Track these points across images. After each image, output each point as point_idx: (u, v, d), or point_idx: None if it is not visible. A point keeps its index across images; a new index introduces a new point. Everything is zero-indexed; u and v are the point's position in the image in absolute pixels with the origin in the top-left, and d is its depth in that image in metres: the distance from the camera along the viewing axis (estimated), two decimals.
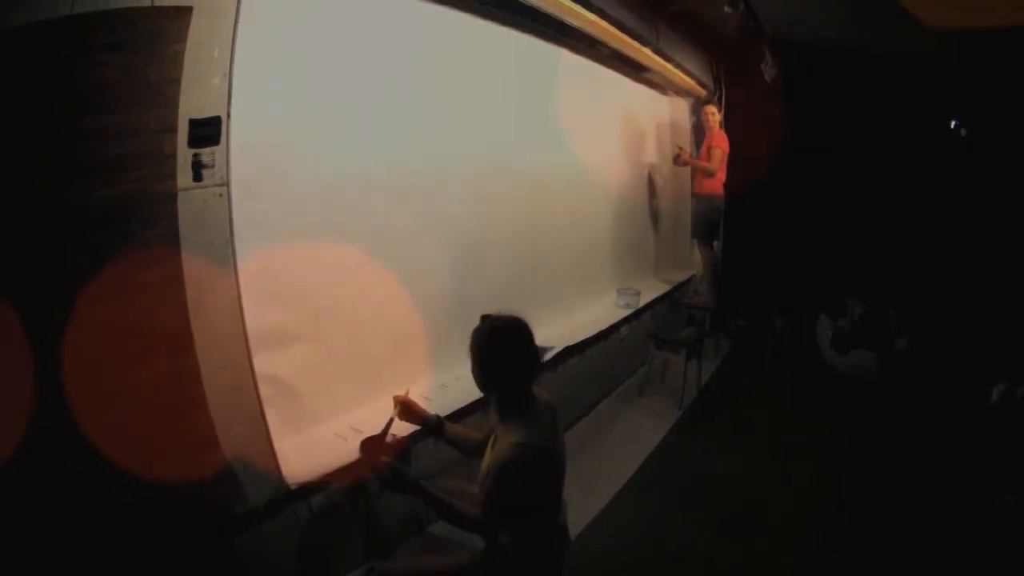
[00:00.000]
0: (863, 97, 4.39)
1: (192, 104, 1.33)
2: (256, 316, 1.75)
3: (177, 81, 1.28)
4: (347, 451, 1.84)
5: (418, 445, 2.01)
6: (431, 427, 1.79)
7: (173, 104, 1.28)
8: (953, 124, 4.62)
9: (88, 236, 1.20)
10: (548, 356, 2.87)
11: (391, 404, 1.78)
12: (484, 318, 1.55)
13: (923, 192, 4.33)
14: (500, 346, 1.48)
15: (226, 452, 1.50)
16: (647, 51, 3.57)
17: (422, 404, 1.84)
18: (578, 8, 2.72)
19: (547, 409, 1.54)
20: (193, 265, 1.41)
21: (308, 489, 1.73)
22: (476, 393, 2.27)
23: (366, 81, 2.16)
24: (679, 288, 4.63)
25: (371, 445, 1.66)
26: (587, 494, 2.52)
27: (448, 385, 2.48)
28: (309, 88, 1.94)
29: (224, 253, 1.48)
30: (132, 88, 1.20)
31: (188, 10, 1.26)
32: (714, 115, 4.21)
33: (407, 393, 1.81)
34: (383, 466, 1.47)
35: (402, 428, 1.82)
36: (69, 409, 1.20)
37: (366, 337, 2.26)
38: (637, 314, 3.90)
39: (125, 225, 1.26)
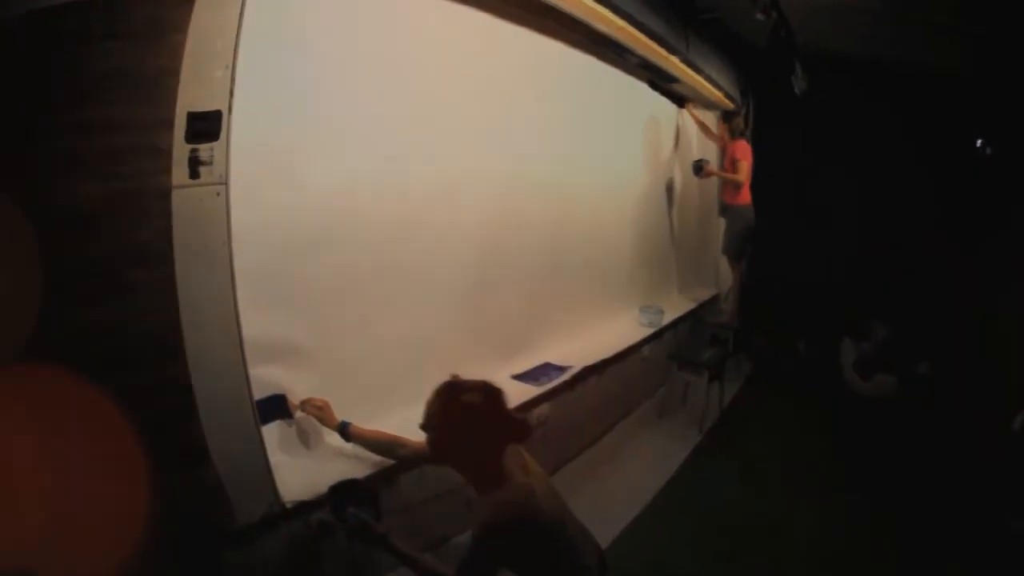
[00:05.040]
0: (891, 112, 4.26)
1: (191, 97, 1.25)
2: (257, 325, 1.67)
3: (176, 72, 1.20)
4: (344, 471, 1.72)
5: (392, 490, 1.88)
6: (340, 431, 1.80)
7: (170, 97, 1.21)
8: (979, 143, 4.46)
9: (73, 234, 1.12)
10: (566, 376, 2.75)
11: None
12: (447, 383, 1.39)
13: (948, 212, 4.20)
14: (463, 413, 1.33)
15: (216, 465, 1.40)
16: (675, 60, 3.45)
17: None
18: (607, 13, 2.61)
19: (522, 460, 1.40)
20: (187, 267, 1.33)
21: (305, 507, 1.61)
22: None
23: (383, 81, 2.07)
24: (703, 306, 4.46)
25: (341, 490, 1.54)
26: (603, 520, 2.37)
27: None
28: (322, 85, 1.86)
29: (221, 256, 1.39)
30: (126, 79, 1.13)
31: None
32: (739, 126, 4.08)
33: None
34: (348, 516, 1.37)
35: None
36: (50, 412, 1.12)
37: (376, 351, 2.15)
38: (659, 333, 3.74)
39: (114, 223, 1.18)
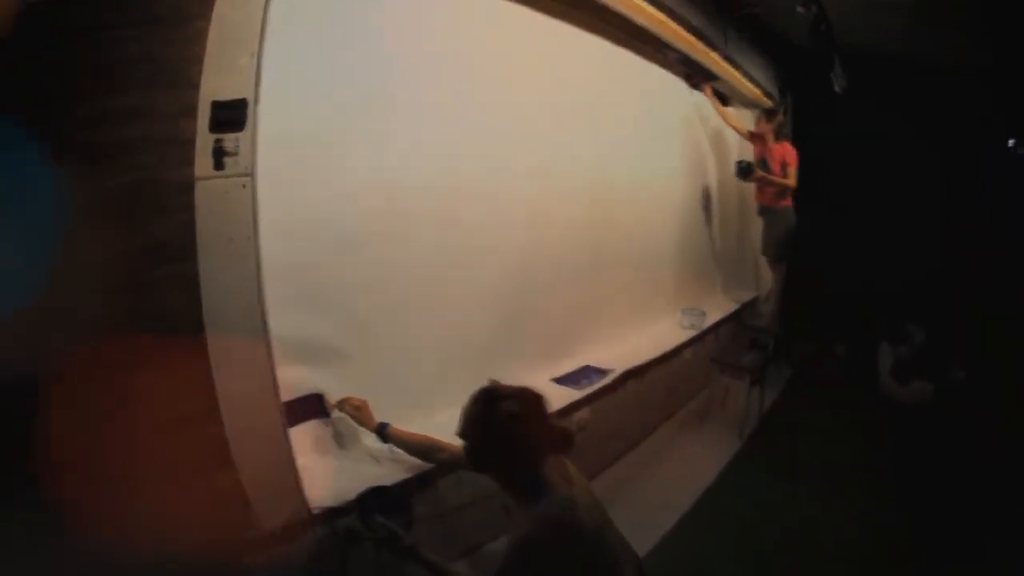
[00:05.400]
0: (929, 112, 4.09)
1: (216, 85, 1.20)
2: (291, 324, 1.64)
3: (199, 59, 1.15)
4: (377, 476, 1.66)
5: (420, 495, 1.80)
6: (378, 432, 1.75)
7: (193, 85, 1.16)
8: (1011, 143, 4.28)
9: (90, 227, 1.08)
10: (607, 379, 2.66)
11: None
12: (485, 390, 1.31)
13: (986, 214, 4.06)
14: (502, 423, 1.24)
15: (239, 468, 1.34)
16: (716, 56, 3.32)
17: None
18: (646, 6, 2.52)
19: (564, 470, 1.31)
20: (210, 263, 1.28)
21: (333, 513, 1.54)
22: None
23: (424, 75, 2.02)
24: (744, 308, 4.28)
25: (370, 497, 1.48)
26: (643, 527, 2.32)
27: None
28: (361, 77, 1.82)
29: (246, 251, 1.34)
30: (146, 66, 1.09)
31: None
32: (783, 126, 3.96)
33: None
34: (376, 525, 1.30)
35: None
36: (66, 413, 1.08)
37: (413, 351, 2.09)
38: (701, 335, 3.59)
39: (133, 216, 1.14)
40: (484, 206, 2.29)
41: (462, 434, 1.29)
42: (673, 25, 2.80)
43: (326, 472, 1.70)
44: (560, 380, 2.63)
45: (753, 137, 4.12)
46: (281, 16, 1.34)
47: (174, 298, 1.24)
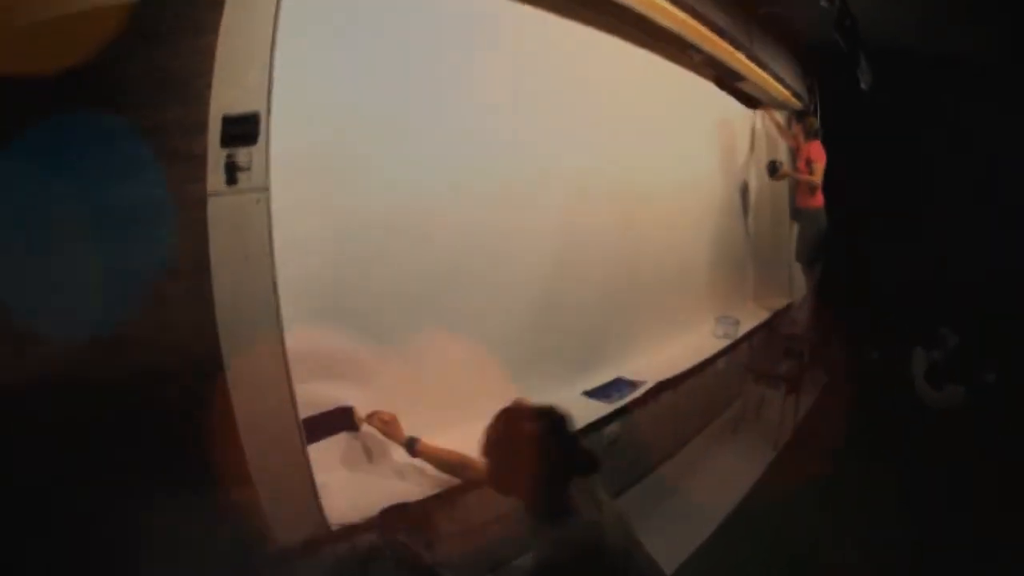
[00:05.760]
0: (961, 109, 3.92)
1: (226, 99, 1.19)
2: (313, 339, 1.63)
3: (208, 73, 1.14)
4: (401, 492, 1.63)
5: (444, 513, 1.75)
6: (407, 446, 1.73)
7: (202, 99, 1.15)
8: None
9: (102, 243, 1.07)
10: (638, 392, 2.58)
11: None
12: (507, 409, 1.27)
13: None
14: (524, 444, 1.19)
15: (256, 484, 1.31)
16: (741, 56, 3.24)
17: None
18: (668, 6, 2.47)
19: (591, 492, 1.24)
20: (225, 280, 1.26)
21: (354, 530, 1.51)
22: None
23: (448, 83, 2.00)
24: (777, 315, 4.13)
25: (391, 515, 1.43)
26: (672, 541, 2.24)
27: None
28: (384, 87, 1.80)
29: (262, 267, 1.31)
30: (154, 81, 1.08)
31: None
32: (811, 126, 3.87)
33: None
34: (397, 545, 1.26)
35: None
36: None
37: (439, 364, 2.03)
38: (735, 344, 3.47)
39: (145, 232, 1.13)
40: (513, 216, 2.25)
41: (484, 453, 1.24)
42: (696, 24, 2.72)
43: (351, 487, 1.68)
44: (591, 393, 2.57)
45: (793, 140, 4.07)
46: (295, 26, 1.33)
47: (188, 314, 1.23)
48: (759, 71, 3.51)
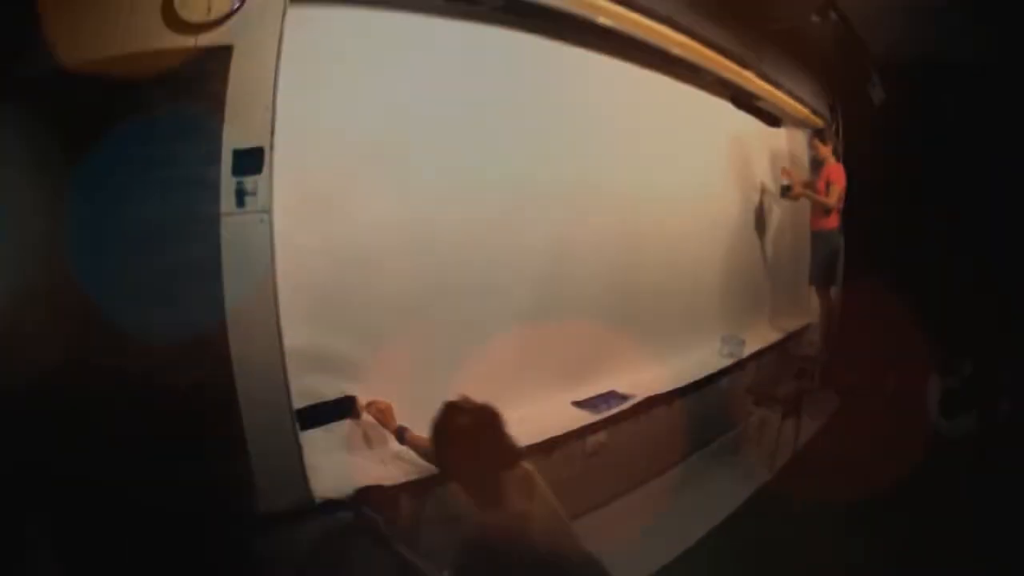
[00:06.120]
0: (983, 123, 3.67)
1: (236, 136, 1.46)
2: (308, 337, 1.83)
3: (220, 113, 1.41)
4: (388, 476, 1.82)
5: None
6: (396, 435, 1.88)
7: (216, 136, 1.42)
8: None
9: (136, 251, 1.35)
10: (626, 405, 2.66)
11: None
12: (447, 403, 1.44)
13: None
14: (453, 436, 1.37)
15: (251, 456, 1.54)
16: (749, 74, 3.31)
17: None
18: (663, 28, 2.59)
19: (527, 486, 1.39)
20: (234, 284, 1.51)
21: (335, 505, 1.69)
22: (533, 437, 2.19)
23: (444, 96, 2.18)
24: (792, 338, 4.09)
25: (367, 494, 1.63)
26: (641, 555, 2.26)
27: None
28: (377, 107, 1.99)
29: (265, 275, 1.56)
30: (176, 120, 1.35)
31: (229, 49, 1.40)
32: (827, 146, 3.82)
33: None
34: (366, 521, 1.46)
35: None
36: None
37: (430, 366, 2.17)
38: (741, 364, 3.48)
39: (171, 242, 1.40)
40: (506, 223, 2.38)
41: (430, 442, 1.42)
42: (696, 46, 2.82)
43: (343, 468, 1.86)
44: (581, 403, 2.65)
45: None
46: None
47: (203, 311, 1.49)
48: (772, 89, 3.55)
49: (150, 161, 1.35)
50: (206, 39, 1.39)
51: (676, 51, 2.79)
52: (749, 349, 3.57)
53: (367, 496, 1.60)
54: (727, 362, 3.39)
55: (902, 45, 3.31)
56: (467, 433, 1.35)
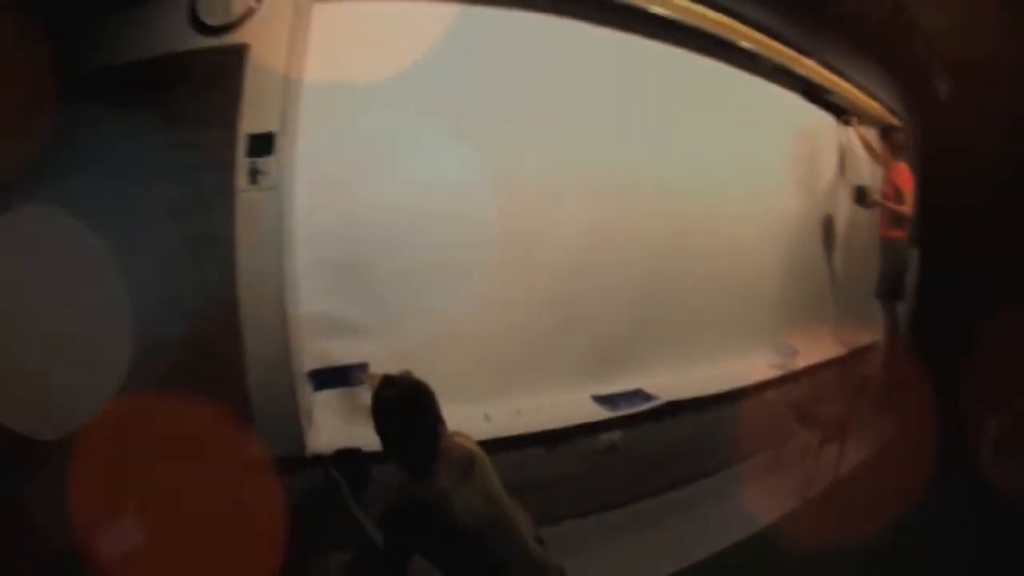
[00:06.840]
0: None
1: (251, 122, 1.68)
2: (327, 304, 2.00)
3: (237, 103, 1.64)
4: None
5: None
6: None
7: (234, 123, 1.65)
8: None
9: (163, 223, 1.60)
10: (645, 407, 2.58)
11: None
12: (384, 376, 1.47)
13: None
14: (381, 407, 1.40)
15: (254, 406, 1.74)
16: (810, 63, 3.10)
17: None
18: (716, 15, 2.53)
19: (463, 466, 1.42)
20: (247, 252, 1.73)
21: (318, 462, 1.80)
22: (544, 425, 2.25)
23: (477, 72, 2.20)
24: (857, 354, 3.72)
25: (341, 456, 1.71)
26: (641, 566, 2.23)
27: (523, 412, 2.37)
28: (409, 83, 2.03)
29: (275, 245, 1.78)
30: (199, 110, 1.59)
31: (245, 47, 1.63)
32: (899, 143, 3.49)
33: None
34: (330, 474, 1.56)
35: None
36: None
37: (446, 345, 2.23)
38: (791, 377, 3.24)
39: (194, 215, 1.65)
40: (539, 208, 2.38)
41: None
42: (746, 30, 2.70)
43: (340, 431, 1.99)
44: (601, 399, 2.61)
45: (882, 160, 3.68)
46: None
47: (220, 274, 1.71)
48: (838, 80, 3.30)
49: (177, 145, 1.60)
50: (226, 39, 1.62)
51: (741, 42, 2.72)
52: (804, 362, 3.32)
53: (338, 457, 1.69)
54: (775, 373, 3.18)
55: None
56: (393, 405, 1.39)
